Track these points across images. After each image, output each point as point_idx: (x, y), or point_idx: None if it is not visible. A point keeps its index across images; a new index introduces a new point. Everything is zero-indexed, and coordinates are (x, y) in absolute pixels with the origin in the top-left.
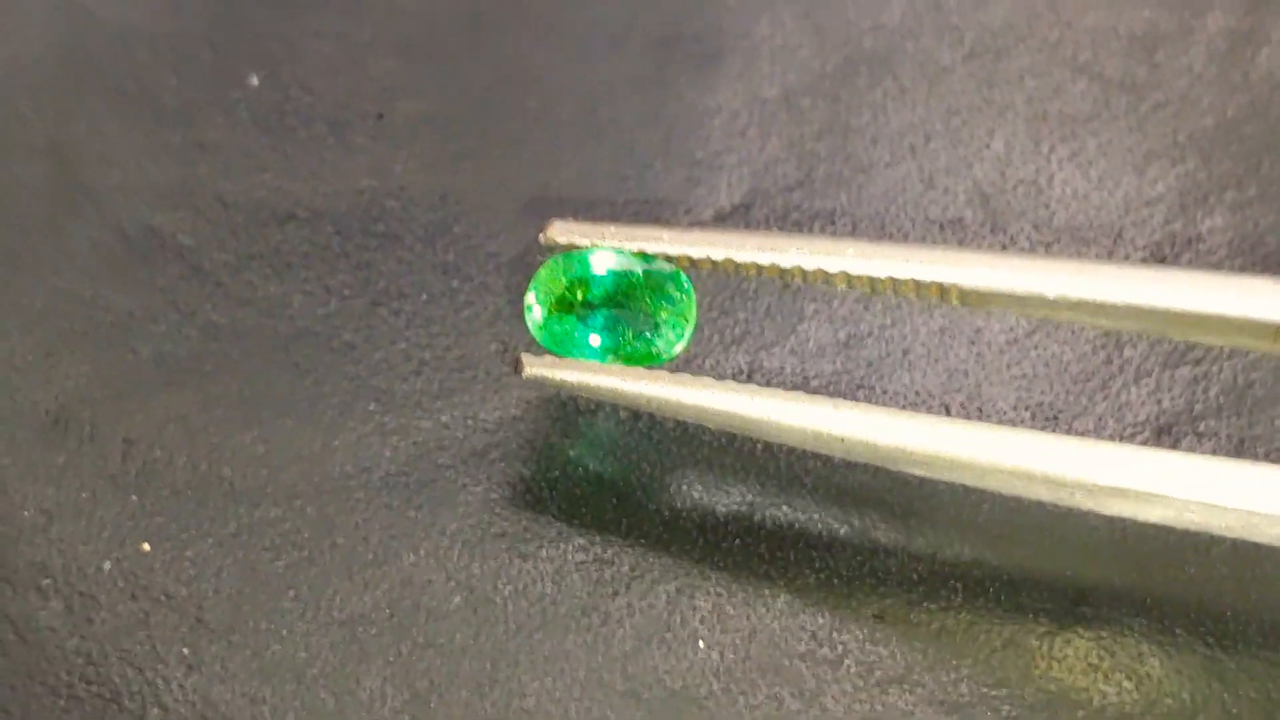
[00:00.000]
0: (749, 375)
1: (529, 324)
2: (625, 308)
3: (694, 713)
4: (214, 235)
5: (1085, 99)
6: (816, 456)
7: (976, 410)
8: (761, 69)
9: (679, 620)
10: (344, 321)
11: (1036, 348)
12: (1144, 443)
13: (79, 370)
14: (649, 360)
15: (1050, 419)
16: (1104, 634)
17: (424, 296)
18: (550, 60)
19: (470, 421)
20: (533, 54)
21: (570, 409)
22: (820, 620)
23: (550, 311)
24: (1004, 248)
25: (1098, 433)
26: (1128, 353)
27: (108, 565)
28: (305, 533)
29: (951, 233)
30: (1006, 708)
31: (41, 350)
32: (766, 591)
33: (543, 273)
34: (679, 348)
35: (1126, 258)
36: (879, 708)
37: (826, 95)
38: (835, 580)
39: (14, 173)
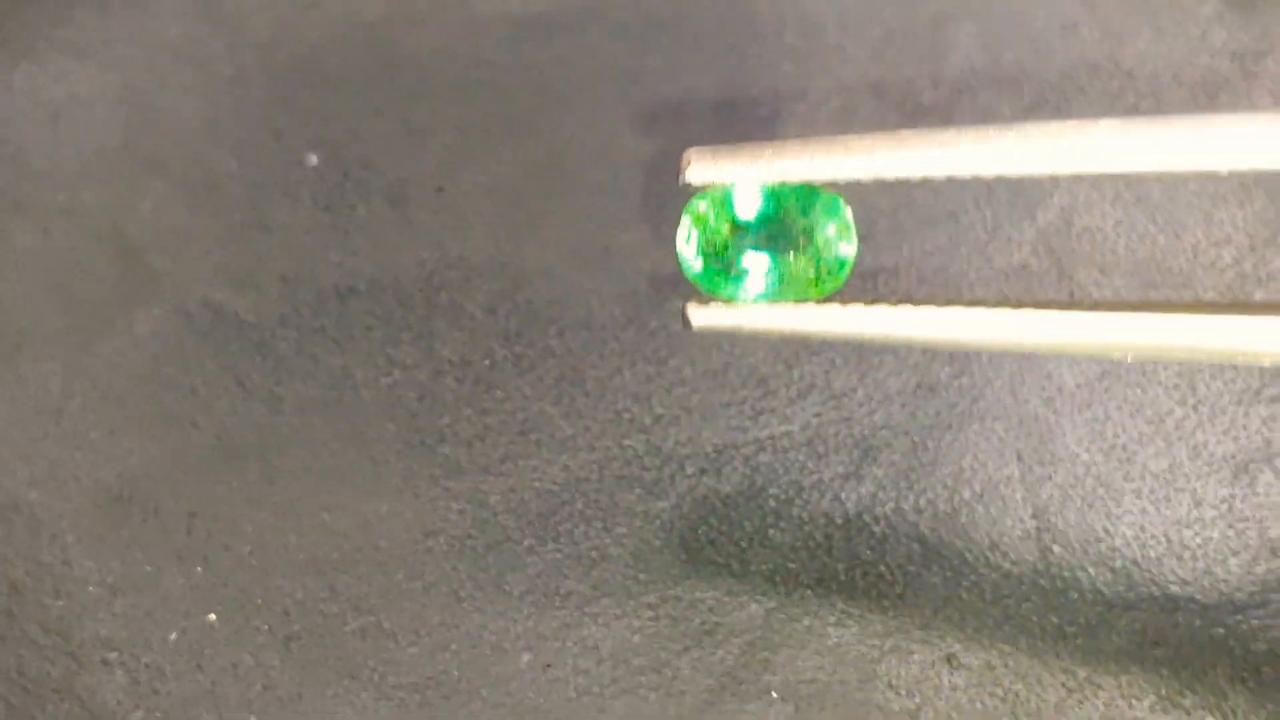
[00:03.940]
0: (818, 424)
1: (688, 275)
2: (782, 224)
3: None
4: (276, 311)
5: None
6: (881, 502)
7: (1050, 455)
8: (820, 128)
9: (752, 674)
10: (407, 391)
11: (1108, 390)
12: (1222, 481)
13: (142, 447)
14: (815, 287)
15: (1125, 460)
16: (1183, 670)
17: (487, 363)
18: (612, 129)
19: (536, 484)
20: (594, 124)
21: (636, 467)
22: (895, 669)
23: (707, 260)
24: (1070, 294)
25: (1174, 472)
26: (1201, 391)
27: (173, 636)
28: (372, 598)
29: (1016, 280)
30: None
31: (105, 428)
32: (840, 641)
33: (690, 218)
34: (847, 255)
35: (1196, 299)
36: None
37: None
38: (910, 626)
39: (78, 258)
